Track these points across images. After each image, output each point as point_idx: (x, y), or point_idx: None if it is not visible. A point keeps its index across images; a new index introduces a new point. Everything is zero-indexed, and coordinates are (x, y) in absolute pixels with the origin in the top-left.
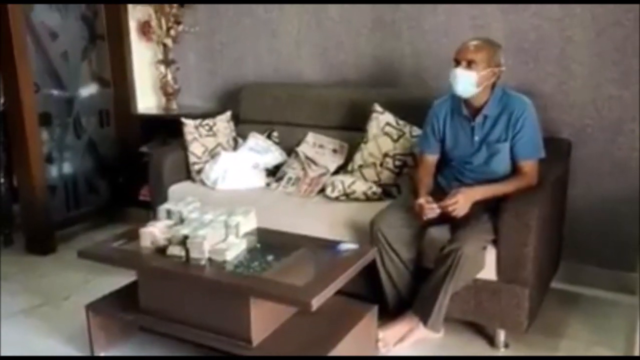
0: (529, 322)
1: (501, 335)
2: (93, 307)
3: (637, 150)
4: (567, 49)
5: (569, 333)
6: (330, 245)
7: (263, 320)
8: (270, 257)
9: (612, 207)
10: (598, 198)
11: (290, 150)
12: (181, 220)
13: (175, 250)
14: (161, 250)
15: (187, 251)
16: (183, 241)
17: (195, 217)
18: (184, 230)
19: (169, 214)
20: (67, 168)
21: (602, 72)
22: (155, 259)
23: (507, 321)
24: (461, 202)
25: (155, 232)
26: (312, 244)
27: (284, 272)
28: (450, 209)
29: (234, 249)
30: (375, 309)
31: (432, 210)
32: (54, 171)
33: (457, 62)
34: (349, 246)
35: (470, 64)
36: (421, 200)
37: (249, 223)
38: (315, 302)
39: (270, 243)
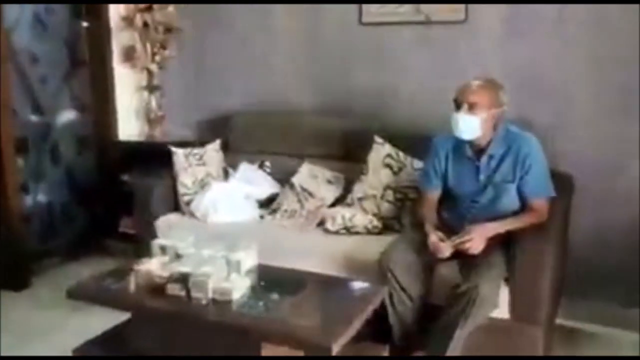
0: None
1: None
2: (80, 352)
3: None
4: (567, 83)
5: None
6: (339, 284)
7: None
8: (276, 297)
9: (613, 241)
10: (599, 232)
11: (281, 180)
12: (177, 257)
13: (175, 290)
14: (158, 290)
15: (188, 290)
16: (183, 279)
17: (193, 253)
18: (185, 268)
19: (163, 249)
20: (43, 197)
21: (602, 106)
22: (152, 299)
23: None
24: (476, 239)
25: (151, 269)
26: (319, 282)
27: (295, 313)
28: (467, 245)
29: (240, 288)
30: (386, 350)
31: (447, 248)
32: (29, 200)
33: (458, 105)
34: (360, 285)
35: (472, 107)
36: (434, 239)
37: (250, 259)
38: (336, 347)
39: (275, 281)
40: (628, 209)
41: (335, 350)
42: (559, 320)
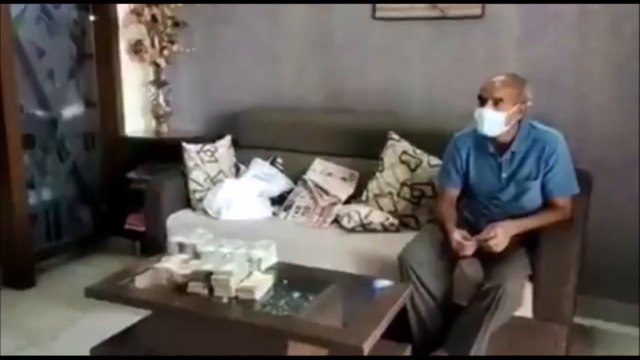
0: None
1: None
2: (100, 351)
3: None
4: (584, 81)
5: None
6: (363, 283)
7: None
8: (300, 295)
9: (629, 240)
10: (615, 231)
11: (294, 178)
12: (196, 255)
13: (197, 288)
14: (180, 288)
15: (210, 289)
16: (206, 278)
17: (212, 251)
18: (207, 266)
19: (181, 247)
20: (49, 194)
21: (620, 105)
22: (175, 298)
23: None
24: (500, 237)
25: (172, 268)
26: (342, 280)
27: (321, 312)
28: (491, 243)
29: (263, 287)
30: (409, 349)
31: (471, 247)
32: (35, 198)
33: (483, 101)
34: (384, 283)
35: (497, 103)
36: (458, 237)
37: (270, 257)
38: (367, 347)
39: (297, 279)
40: None
41: (367, 350)
42: (577, 319)
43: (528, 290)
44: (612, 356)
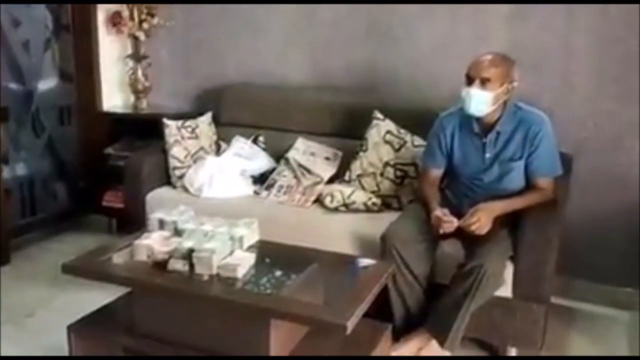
0: (543, 340)
1: (512, 353)
2: (76, 328)
3: (637, 166)
4: (569, 63)
5: (575, 350)
6: (345, 261)
7: (281, 343)
8: (283, 274)
9: (608, 222)
10: (593, 212)
11: (276, 156)
12: (177, 232)
13: (177, 265)
14: (159, 265)
15: (191, 266)
16: (187, 255)
17: (193, 229)
18: (188, 244)
19: (161, 224)
20: (23, 169)
21: (603, 87)
22: (155, 275)
23: (522, 340)
24: (483, 220)
25: (153, 245)
26: (324, 258)
27: (303, 290)
28: (473, 227)
29: (244, 265)
30: (389, 328)
31: (450, 223)
32: (8, 173)
33: (470, 80)
34: (367, 262)
35: (484, 82)
36: (438, 213)
37: (252, 235)
38: (350, 324)
39: (279, 257)
40: (625, 190)
41: (350, 328)
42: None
43: (508, 270)
44: (612, 356)
